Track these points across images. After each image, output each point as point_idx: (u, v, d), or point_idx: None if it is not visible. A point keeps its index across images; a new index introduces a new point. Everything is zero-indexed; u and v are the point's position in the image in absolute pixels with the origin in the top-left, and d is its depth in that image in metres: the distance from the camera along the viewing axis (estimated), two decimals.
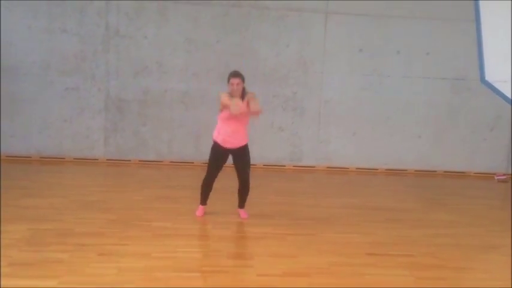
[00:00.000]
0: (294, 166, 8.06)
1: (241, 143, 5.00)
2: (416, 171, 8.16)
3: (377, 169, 8.13)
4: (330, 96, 8.00)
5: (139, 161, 7.87)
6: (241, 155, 5.04)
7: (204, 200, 5.29)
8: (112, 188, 6.55)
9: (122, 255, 4.04)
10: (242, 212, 5.29)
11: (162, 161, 7.87)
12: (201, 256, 4.14)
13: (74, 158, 7.75)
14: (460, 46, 7.90)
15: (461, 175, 8.13)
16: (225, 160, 5.10)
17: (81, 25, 7.47)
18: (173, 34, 7.64)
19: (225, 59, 7.68)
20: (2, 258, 3.84)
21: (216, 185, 5.29)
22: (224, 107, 4.84)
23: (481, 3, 6.05)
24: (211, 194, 5.30)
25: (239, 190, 5.22)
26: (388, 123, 8.10)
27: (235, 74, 4.90)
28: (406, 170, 8.16)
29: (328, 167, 8.09)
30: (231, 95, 4.84)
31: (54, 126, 7.67)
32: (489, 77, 5.95)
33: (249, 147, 5.11)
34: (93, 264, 3.85)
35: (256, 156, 7.90)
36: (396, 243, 4.66)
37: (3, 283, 3.43)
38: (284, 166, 8.04)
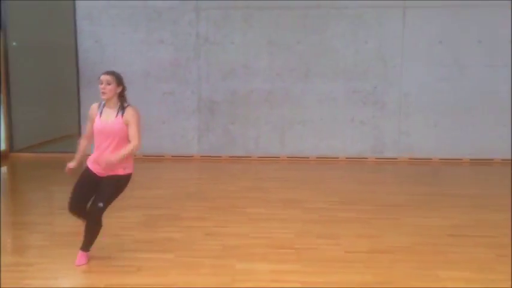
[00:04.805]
0: (376, 158, 8.33)
1: (110, 171, 3.80)
2: (503, 160, 8.10)
3: (461, 159, 8.19)
4: (410, 89, 8.18)
5: (230, 156, 8.53)
6: (105, 183, 3.81)
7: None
8: (207, 180, 7.24)
9: (224, 235, 4.63)
10: (79, 256, 3.92)
11: (250, 156, 8.48)
12: (293, 236, 4.63)
13: (172, 156, 8.57)
14: None
15: None
16: (92, 186, 3.84)
17: (175, 35, 8.27)
18: (257, 38, 8.23)
19: (306, 58, 8.16)
20: (126, 236, 4.57)
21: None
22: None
23: None
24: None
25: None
26: (471, 113, 8.12)
27: (106, 71, 3.85)
28: (492, 160, 8.13)
29: (410, 158, 8.27)
30: (103, 99, 3.83)
31: (154, 128, 8.54)
32: None
33: (125, 181, 3.89)
34: (201, 241, 4.48)
35: (338, 150, 8.33)
36: (477, 226, 4.87)
37: (131, 256, 4.12)
38: (366, 158, 8.34)
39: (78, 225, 4.13)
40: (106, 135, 3.79)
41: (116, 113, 3.82)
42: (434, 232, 4.70)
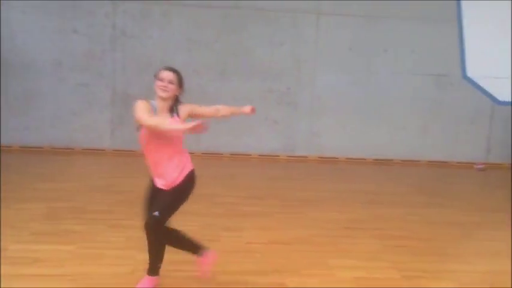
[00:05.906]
0: (287, 156, 8.65)
1: (170, 182, 3.38)
2: (402, 160, 8.74)
3: (365, 159, 8.72)
4: (322, 92, 8.58)
5: None
6: (164, 193, 3.39)
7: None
8: (118, 174, 7.16)
9: (128, 228, 4.63)
10: (142, 280, 3.45)
11: None
12: (198, 228, 4.71)
13: (83, 149, 8.35)
14: (443, 44, 8.43)
15: (443, 164, 8.70)
16: None
17: (91, 26, 8.07)
18: (176, 34, 8.24)
19: (223, 57, 8.30)
20: (24, 228, 4.44)
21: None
22: (144, 122, 3.21)
23: (463, 4, 6.61)
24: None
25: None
26: (376, 117, 8.68)
27: (168, 67, 3.35)
28: (392, 160, 8.74)
29: (319, 157, 8.68)
30: (159, 98, 3.32)
31: (65, 120, 8.28)
32: (470, 73, 6.53)
33: (185, 186, 3.45)
34: (104, 233, 4.47)
35: (251, 147, 8.56)
36: (371, 220, 5.26)
37: (28, 247, 4.03)
38: (278, 156, 8.63)
39: None
40: (163, 141, 3.28)
41: (170, 116, 3.30)
42: (332, 225, 5.01)
